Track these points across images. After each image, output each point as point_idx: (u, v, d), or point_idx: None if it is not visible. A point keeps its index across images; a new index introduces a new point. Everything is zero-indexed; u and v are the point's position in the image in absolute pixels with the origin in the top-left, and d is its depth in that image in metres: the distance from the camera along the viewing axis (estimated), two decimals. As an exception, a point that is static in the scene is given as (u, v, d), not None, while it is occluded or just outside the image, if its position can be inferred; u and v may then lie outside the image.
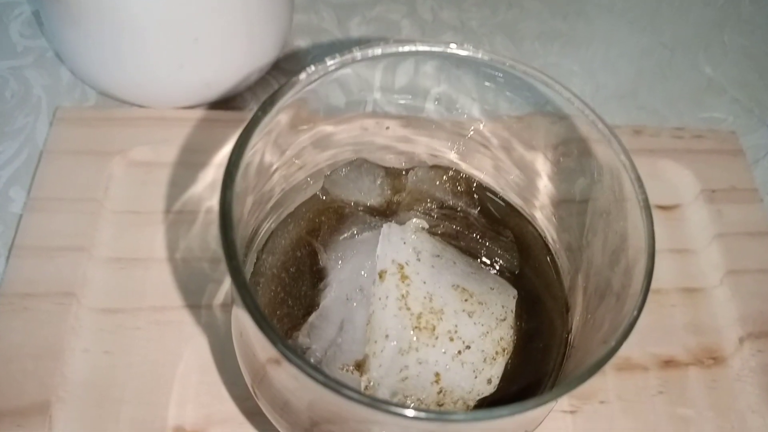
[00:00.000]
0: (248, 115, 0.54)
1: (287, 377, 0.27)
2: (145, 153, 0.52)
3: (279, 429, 0.33)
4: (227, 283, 0.47)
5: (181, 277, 0.47)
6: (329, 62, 0.27)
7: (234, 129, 0.53)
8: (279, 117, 0.27)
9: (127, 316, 0.45)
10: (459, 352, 0.29)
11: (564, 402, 0.45)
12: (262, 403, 0.31)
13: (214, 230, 0.49)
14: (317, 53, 0.63)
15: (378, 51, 0.28)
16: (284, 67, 0.61)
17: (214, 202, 0.50)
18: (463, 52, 0.29)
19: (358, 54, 0.28)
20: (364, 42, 0.63)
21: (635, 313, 0.24)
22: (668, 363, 0.48)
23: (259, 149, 0.27)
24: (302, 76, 0.27)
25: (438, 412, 0.26)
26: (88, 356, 0.44)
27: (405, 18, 0.67)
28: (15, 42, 0.60)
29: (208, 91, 0.54)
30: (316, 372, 0.22)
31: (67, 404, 0.42)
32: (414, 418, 0.22)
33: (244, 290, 0.22)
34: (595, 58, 0.66)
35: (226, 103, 0.58)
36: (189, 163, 0.52)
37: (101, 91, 0.56)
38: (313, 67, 0.27)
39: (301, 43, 0.63)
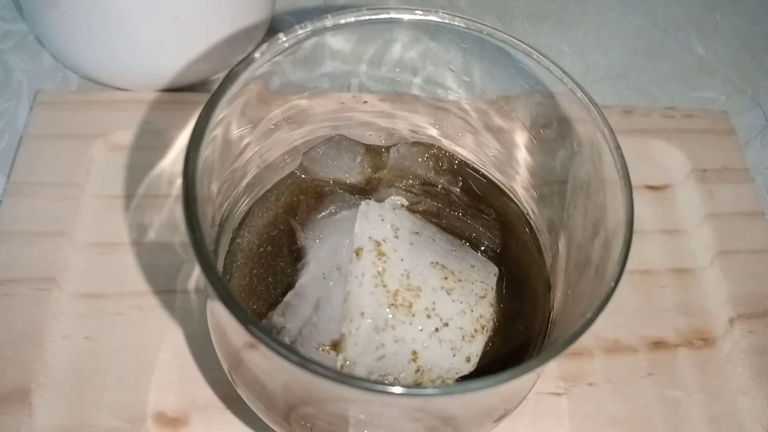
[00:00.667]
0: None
1: (262, 360, 0.27)
2: (126, 137, 0.51)
3: (258, 414, 0.32)
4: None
5: (163, 262, 0.46)
6: (300, 30, 0.27)
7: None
8: (248, 87, 0.26)
9: (108, 302, 0.45)
10: (436, 329, 0.29)
11: (552, 384, 0.44)
12: (239, 388, 0.31)
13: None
14: (303, 35, 0.62)
15: (351, 18, 0.27)
16: (270, 50, 0.60)
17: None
18: (441, 20, 0.28)
19: (329, 21, 0.27)
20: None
21: (612, 284, 0.23)
22: (658, 345, 0.47)
23: (225, 120, 0.26)
24: (271, 43, 0.26)
25: (411, 387, 0.25)
26: (69, 342, 0.43)
27: (393, -3, 0.66)
28: (-5, 26, 0.59)
29: (189, 73, 0.53)
30: (286, 349, 0.21)
31: (48, 390, 0.41)
32: (388, 393, 0.21)
33: (209, 266, 0.21)
34: (586, 38, 0.66)
35: (208, 85, 0.57)
36: (171, 147, 0.51)
37: (82, 75, 0.55)
38: (282, 35, 0.26)
39: (288, 19, 0.62)
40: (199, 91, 0.56)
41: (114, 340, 0.43)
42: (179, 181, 0.49)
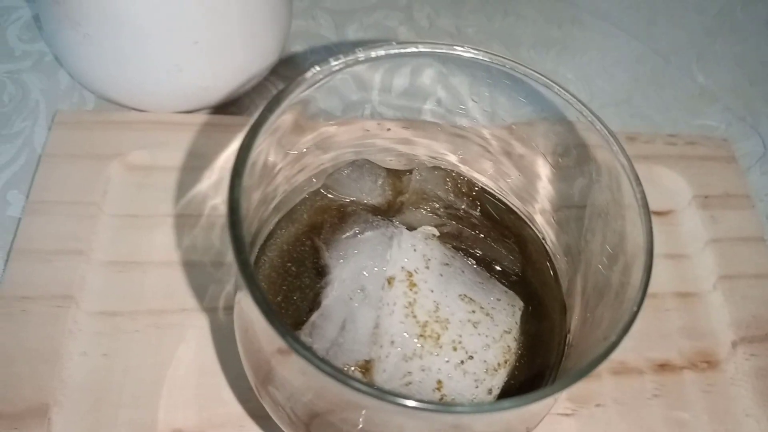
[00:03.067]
0: (246, 120, 0.55)
1: (293, 371, 0.27)
2: (143, 157, 0.52)
3: (280, 424, 0.33)
4: (225, 286, 0.47)
5: (179, 280, 0.47)
6: (333, 62, 0.28)
7: (232, 134, 0.53)
8: (284, 117, 0.27)
9: (125, 320, 0.45)
10: (462, 361, 0.30)
11: (561, 405, 0.45)
12: (265, 400, 0.31)
13: (213, 233, 0.49)
14: (315, 59, 0.63)
15: (381, 52, 0.29)
16: (282, 73, 0.62)
17: (211, 205, 0.51)
18: (466, 54, 0.30)
19: (361, 55, 0.28)
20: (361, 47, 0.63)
21: (635, 308, 0.24)
22: (663, 367, 0.48)
23: (264, 149, 0.27)
24: (308, 75, 0.27)
25: (445, 404, 0.26)
26: (86, 360, 0.44)
27: (402, 25, 0.67)
28: (13, 46, 0.60)
29: (206, 96, 0.54)
30: (328, 366, 0.22)
31: (65, 408, 0.42)
32: (421, 408, 0.22)
33: (254, 285, 0.22)
34: (590, 65, 0.67)
35: (223, 107, 0.58)
36: (186, 167, 0.52)
37: (100, 95, 0.56)
38: (318, 68, 0.27)
39: (299, 48, 0.64)
40: (214, 113, 0.57)
41: (131, 358, 0.44)
42: (196, 202, 0.50)
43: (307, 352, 0.22)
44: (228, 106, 0.58)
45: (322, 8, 0.67)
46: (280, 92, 0.26)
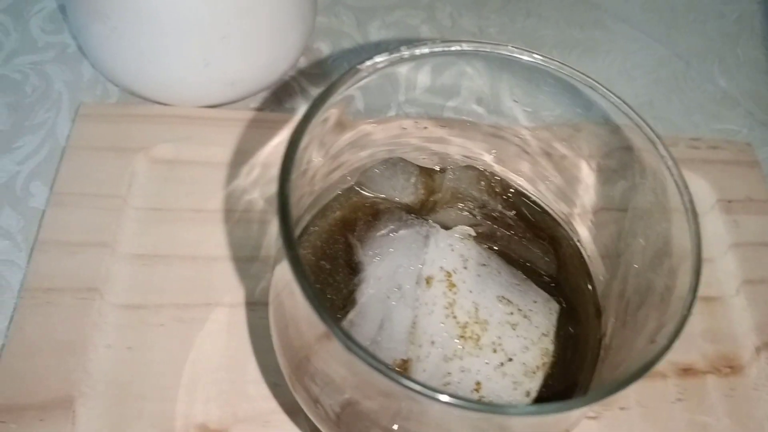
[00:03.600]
0: (270, 115, 0.55)
1: (339, 364, 0.27)
2: (167, 150, 0.52)
3: (313, 419, 0.33)
4: (250, 280, 0.47)
5: (204, 274, 0.47)
6: (378, 59, 0.28)
7: (255, 129, 0.53)
8: (328, 114, 0.27)
9: (149, 313, 0.45)
10: (501, 363, 0.30)
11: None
12: (299, 393, 0.31)
13: (237, 227, 0.49)
14: (337, 56, 0.63)
15: (425, 50, 0.28)
16: (304, 69, 0.62)
17: (235, 199, 0.51)
18: (508, 53, 0.29)
19: (405, 52, 0.28)
20: (383, 45, 0.63)
21: (685, 312, 0.24)
22: (686, 371, 0.48)
23: (308, 146, 0.27)
24: (350, 73, 0.27)
25: (500, 405, 0.26)
26: (112, 352, 0.44)
27: (424, 23, 0.67)
28: (36, 37, 0.60)
29: (231, 91, 0.54)
30: (382, 364, 0.22)
31: (90, 400, 0.42)
32: (471, 408, 0.22)
33: (304, 281, 0.22)
34: (612, 67, 0.67)
35: (245, 102, 0.58)
36: (211, 162, 0.52)
37: (125, 89, 0.55)
38: (361, 65, 0.27)
39: (321, 45, 0.64)
40: (237, 107, 0.57)
41: (155, 351, 0.44)
42: (220, 196, 0.50)
43: (363, 352, 0.22)
44: (250, 101, 0.58)
45: (344, 5, 0.67)
46: (327, 89, 0.26)
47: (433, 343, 0.29)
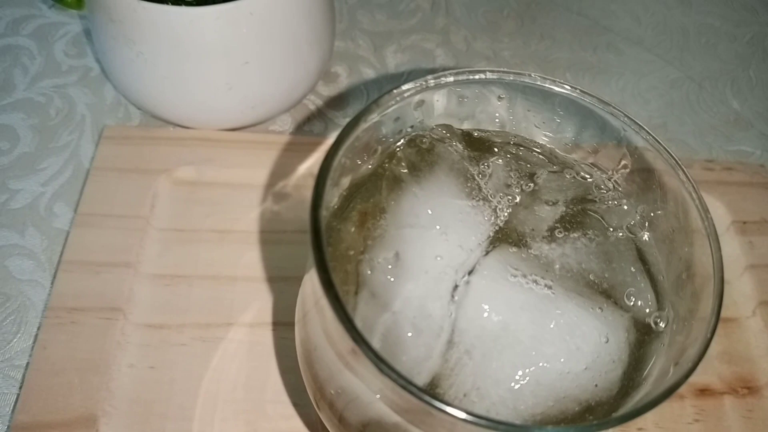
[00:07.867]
0: (289, 137, 0.56)
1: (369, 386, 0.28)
2: (189, 172, 0.53)
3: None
4: (271, 301, 0.48)
5: (225, 294, 0.48)
6: (405, 87, 0.28)
7: (275, 151, 0.54)
8: (356, 140, 0.28)
9: (171, 332, 0.46)
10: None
11: (603, 428, 0.45)
12: (324, 411, 0.32)
13: (258, 249, 0.50)
14: (354, 79, 0.64)
15: (450, 78, 0.29)
16: (321, 92, 0.63)
17: (255, 221, 0.51)
18: (530, 81, 0.30)
19: (431, 81, 0.29)
20: (399, 70, 0.64)
21: (708, 335, 0.25)
22: (704, 392, 0.48)
23: (337, 170, 0.27)
24: (380, 100, 0.28)
25: (524, 426, 0.26)
26: (134, 371, 0.44)
27: (439, 47, 0.68)
28: (60, 61, 0.62)
29: (252, 114, 0.55)
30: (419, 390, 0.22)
31: (113, 419, 0.42)
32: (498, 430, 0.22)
33: (338, 305, 0.23)
34: (626, 90, 0.68)
35: (264, 125, 0.59)
36: (232, 183, 0.53)
37: (148, 112, 0.57)
38: (389, 94, 0.28)
39: (339, 68, 0.65)
40: (257, 130, 0.58)
41: (177, 371, 0.45)
42: (241, 217, 0.51)
43: (399, 378, 0.22)
44: (270, 124, 0.59)
45: (361, 29, 0.68)
46: (356, 116, 0.27)
47: (463, 359, 0.29)
